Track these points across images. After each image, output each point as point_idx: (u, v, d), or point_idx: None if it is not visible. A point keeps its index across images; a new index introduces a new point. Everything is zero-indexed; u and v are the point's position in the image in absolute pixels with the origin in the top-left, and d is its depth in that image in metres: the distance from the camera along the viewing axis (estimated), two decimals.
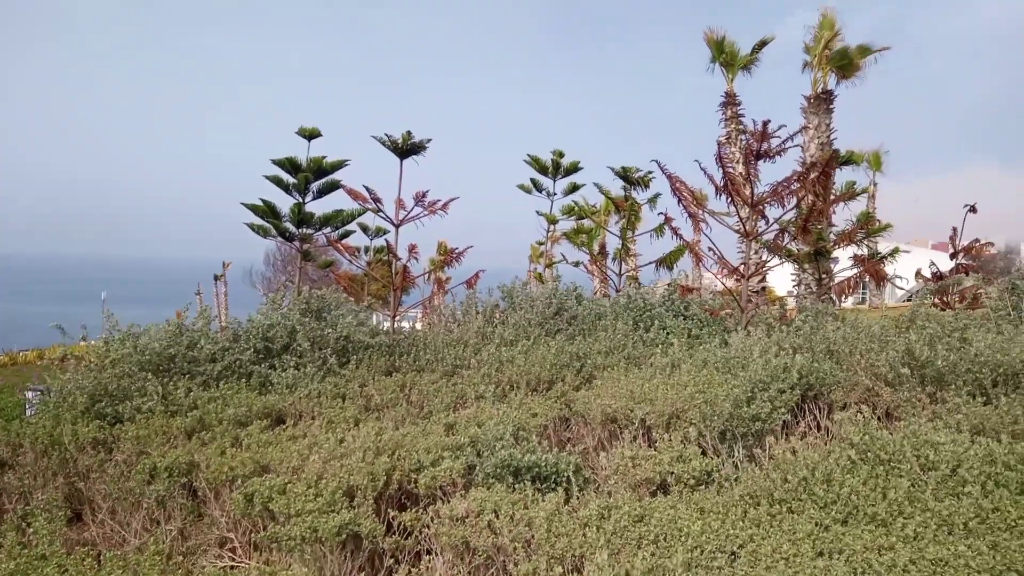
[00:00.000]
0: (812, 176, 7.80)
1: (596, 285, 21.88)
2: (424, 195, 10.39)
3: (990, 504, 3.58)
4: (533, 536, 3.70)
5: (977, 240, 10.12)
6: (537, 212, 19.34)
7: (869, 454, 4.20)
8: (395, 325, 10.36)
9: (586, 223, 19.59)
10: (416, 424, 6.25)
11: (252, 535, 4.56)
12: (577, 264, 17.07)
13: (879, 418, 5.73)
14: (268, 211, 14.39)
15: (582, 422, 6.30)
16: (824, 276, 13.88)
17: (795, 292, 15.98)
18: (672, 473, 4.41)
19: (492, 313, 10.68)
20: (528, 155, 17.75)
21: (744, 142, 7.74)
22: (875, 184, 37.81)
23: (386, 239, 11.69)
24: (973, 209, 10.10)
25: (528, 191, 18.32)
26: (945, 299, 10.09)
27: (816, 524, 3.58)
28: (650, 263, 14.14)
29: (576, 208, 17.78)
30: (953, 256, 10.15)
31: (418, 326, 13.71)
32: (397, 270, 10.32)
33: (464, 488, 4.72)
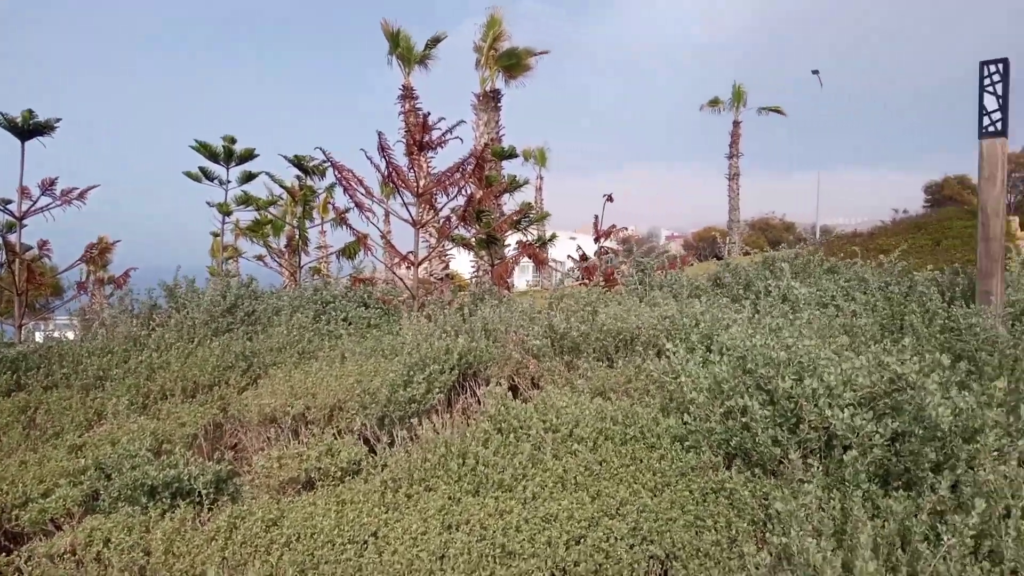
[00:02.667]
0: (469, 168, 8.23)
1: (286, 279, 20.98)
2: (53, 182, 8.91)
3: (598, 457, 4.03)
4: (149, 561, 3.30)
5: (614, 225, 11.65)
6: (208, 203, 17.87)
7: (504, 424, 4.49)
8: (21, 336, 8.77)
9: (273, 213, 18.62)
10: (35, 451, 5.32)
11: None
12: (260, 258, 16.15)
13: (524, 388, 6.24)
14: None
15: (239, 425, 5.89)
16: (498, 261, 14.91)
17: (474, 277, 16.99)
18: (319, 468, 4.28)
19: (150, 315, 9.58)
20: (196, 141, 16.28)
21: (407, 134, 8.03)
22: (541, 178, 42.07)
23: (2, 235, 9.83)
24: (610, 199, 11.60)
25: (197, 179, 16.81)
26: (589, 278, 11.40)
27: (449, 498, 3.71)
28: (331, 253, 13.87)
29: (250, 199, 16.75)
30: (596, 240, 11.55)
31: (71, 335, 11.88)
32: (20, 270, 8.72)
33: (82, 518, 4.09)
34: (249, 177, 16.65)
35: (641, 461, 3.91)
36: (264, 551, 3.27)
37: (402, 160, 8.47)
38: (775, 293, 7.00)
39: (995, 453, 2.83)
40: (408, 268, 8.82)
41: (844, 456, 3.13)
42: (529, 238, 13.93)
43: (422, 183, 8.69)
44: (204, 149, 15.94)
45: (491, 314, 7.52)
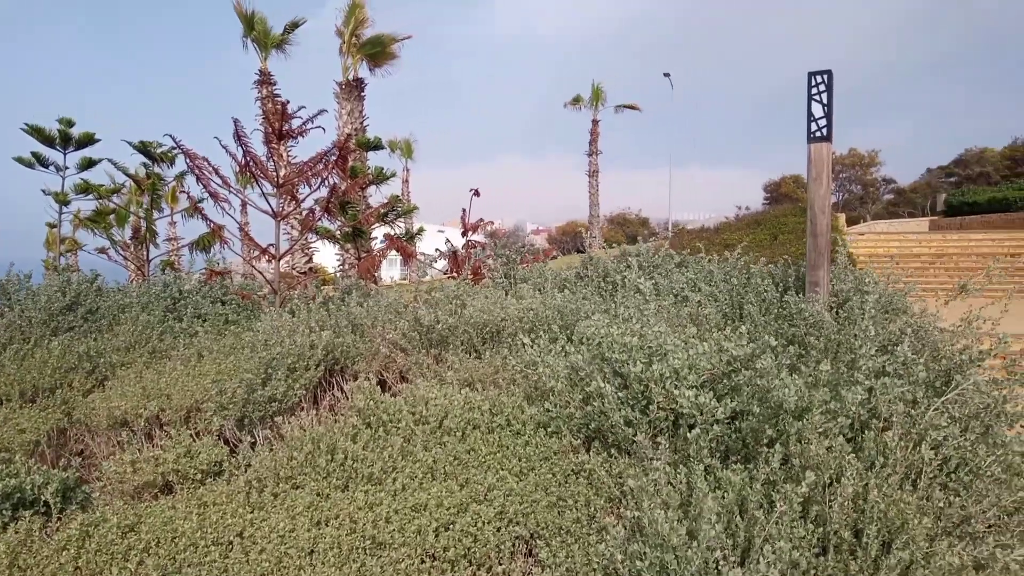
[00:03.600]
0: (332, 158, 8.07)
1: (132, 273, 19.58)
2: None
3: (467, 447, 4.14)
4: None
5: (481, 219, 11.82)
6: (43, 191, 16.34)
7: (373, 418, 4.50)
8: None
9: (116, 202, 17.29)
10: None
11: None
12: (103, 251, 14.96)
13: (393, 383, 6.25)
14: None
15: (85, 430, 5.50)
16: (365, 255, 14.69)
17: (339, 271, 16.63)
18: (178, 471, 4.10)
19: None
20: (27, 124, 14.82)
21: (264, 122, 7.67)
22: (408, 170, 41.80)
23: None
24: (477, 193, 11.75)
25: (30, 165, 15.31)
26: (458, 272, 11.52)
27: (317, 495, 3.69)
28: (183, 246, 13.11)
29: (91, 187, 15.48)
30: (464, 234, 11.67)
31: None
32: None
33: None
34: (89, 164, 15.36)
35: (508, 448, 4.06)
36: (122, 558, 3.11)
37: (261, 149, 8.18)
38: (629, 285, 7.41)
39: (820, 430, 3.20)
40: (269, 261, 8.53)
41: (688, 434, 3.42)
42: (397, 231, 13.84)
43: (283, 173, 8.42)
44: (37, 133, 14.54)
45: (357, 309, 7.45)
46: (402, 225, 14.22)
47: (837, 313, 6.57)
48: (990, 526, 2.95)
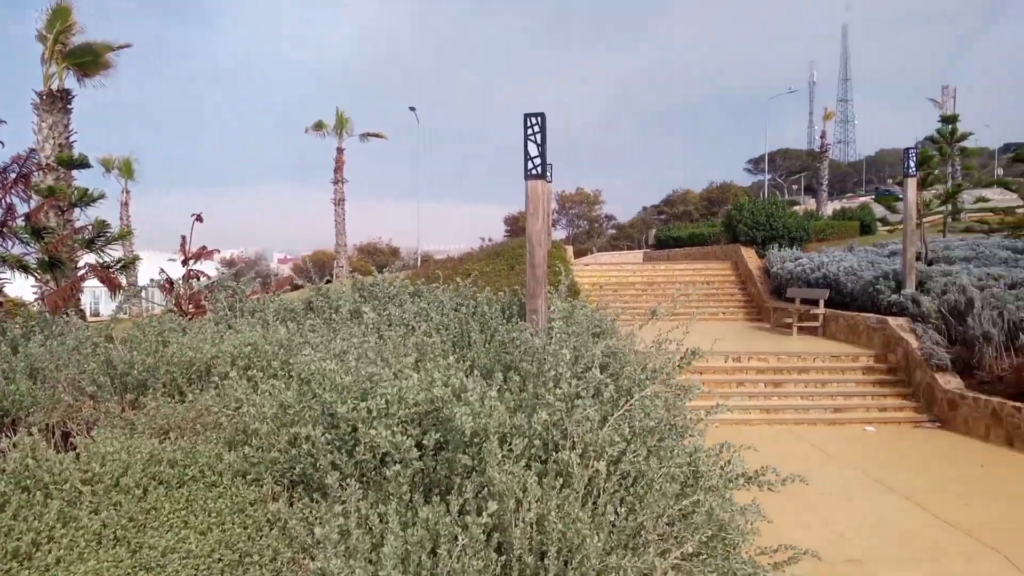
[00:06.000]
0: (12, 175, 6.91)
1: None
2: None
3: (146, 505, 3.65)
4: None
5: (204, 247, 10.89)
6: None
7: (31, 481, 3.81)
8: None
9: None
10: None
11: None
12: None
13: (78, 434, 5.41)
14: None
15: None
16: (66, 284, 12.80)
17: (35, 304, 14.33)
18: None
19: None
20: None
21: None
22: (127, 192, 37.87)
23: None
24: (199, 218, 10.83)
25: None
26: (181, 304, 10.49)
27: None
28: None
29: None
30: (184, 263, 10.67)
31: None
32: None
33: None
34: None
35: (197, 503, 3.66)
36: None
37: None
38: (354, 316, 7.26)
39: (506, 455, 3.27)
40: None
41: (387, 472, 3.33)
42: (108, 259, 12.28)
43: None
44: None
45: (38, 349, 6.38)
46: (112, 253, 12.66)
47: (557, 338, 6.98)
48: (661, 535, 3.22)
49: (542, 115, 7.99)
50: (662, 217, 59.13)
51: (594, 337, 7.55)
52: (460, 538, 2.69)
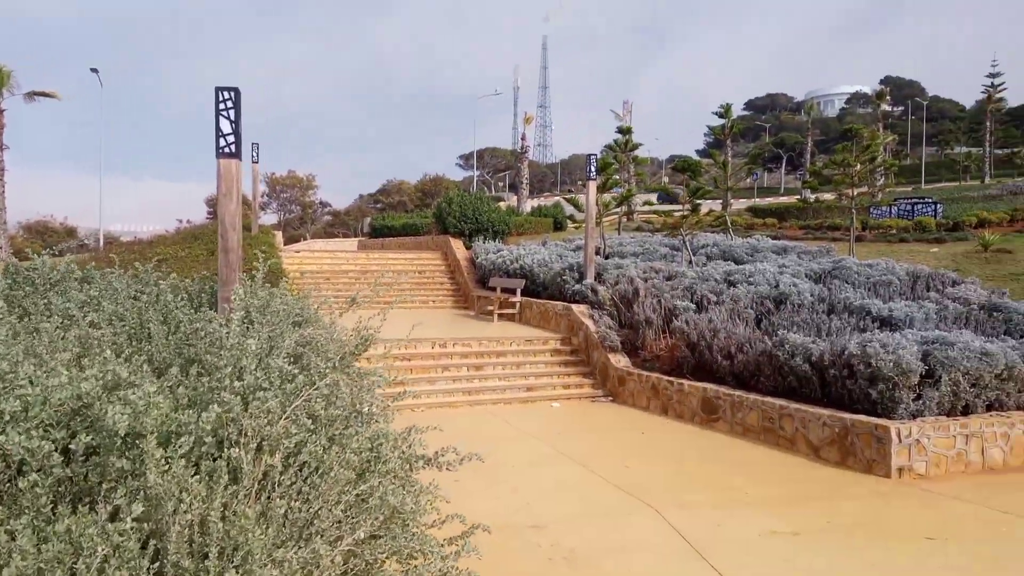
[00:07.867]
0: None
1: None
2: None
3: None
4: None
5: None
6: None
7: None
8: None
9: None
10: None
11: None
12: None
13: None
14: None
15: None
16: None
17: None
18: None
19: None
20: None
21: None
22: None
23: None
24: None
25: None
26: None
27: None
28: None
29: None
30: None
31: None
32: None
33: None
34: None
35: None
36: None
37: None
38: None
39: (170, 455, 3.00)
40: None
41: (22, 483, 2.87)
42: None
43: None
44: None
45: None
46: None
47: (248, 328, 6.61)
48: (336, 523, 3.21)
49: (236, 89, 7.49)
50: (378, 206, 59.27)
51: (294, 327, 7.31)
52: (101, 548, 2.41)
